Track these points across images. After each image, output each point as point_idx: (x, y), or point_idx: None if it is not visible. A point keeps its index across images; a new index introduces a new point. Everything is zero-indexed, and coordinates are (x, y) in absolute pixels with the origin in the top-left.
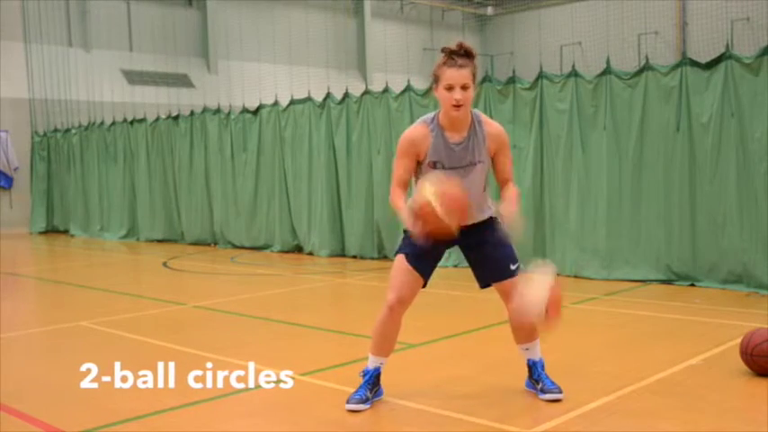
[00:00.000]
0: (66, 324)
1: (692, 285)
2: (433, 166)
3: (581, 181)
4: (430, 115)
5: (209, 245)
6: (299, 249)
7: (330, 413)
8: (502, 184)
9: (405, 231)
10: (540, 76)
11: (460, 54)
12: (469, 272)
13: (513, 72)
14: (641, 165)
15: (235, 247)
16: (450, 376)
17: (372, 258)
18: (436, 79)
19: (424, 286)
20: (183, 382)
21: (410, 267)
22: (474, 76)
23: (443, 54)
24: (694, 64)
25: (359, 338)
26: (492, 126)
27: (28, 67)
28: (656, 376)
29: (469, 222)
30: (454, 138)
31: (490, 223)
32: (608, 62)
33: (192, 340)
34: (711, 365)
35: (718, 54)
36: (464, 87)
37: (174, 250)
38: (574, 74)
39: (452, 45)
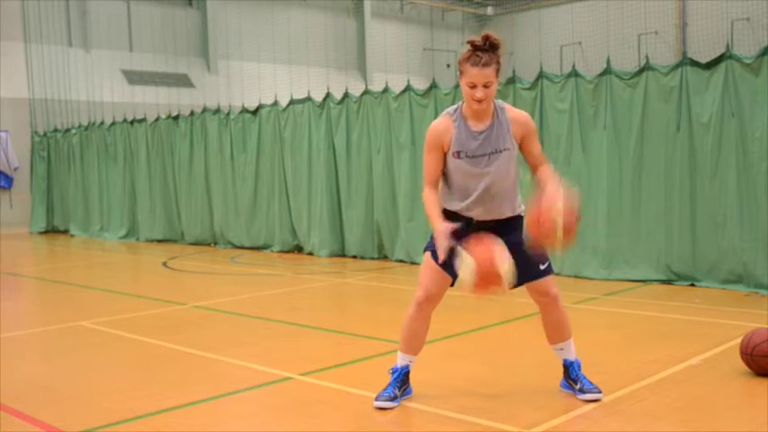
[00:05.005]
0: (67, 324)
1: (692, 285)
2: (458, 155)
3: (581, 181)
4: (453, 107)
5: (209, 245)
6: (299, 249)
7: (330, 413)
8: (535, 168)
9: None
10: (540, 76)
11: (485, 49)
12: None
13: (513, 72)
14: (641, 165)
15: (235, 247)
16: (450, 376)
17: (372, 258)
18: (460, 72)
19: (453, 284)
20: (184, 382)
21: (437, 266)
22: (497, 71)
23: (468, 47)
24: (694, 64)
25: (359, 338)
26: (515, 112)
27: (28, 67)
28: (656, 376)
29: (498, 218)
30: (477, 126)
31: (520, 223)
32: (608, 62)
33: (192, 340)
34: (711, 365)
35: (718, 54)
36: (486, 86)
37: (174, 250)
38: (574, 74)
39: (478, 38)
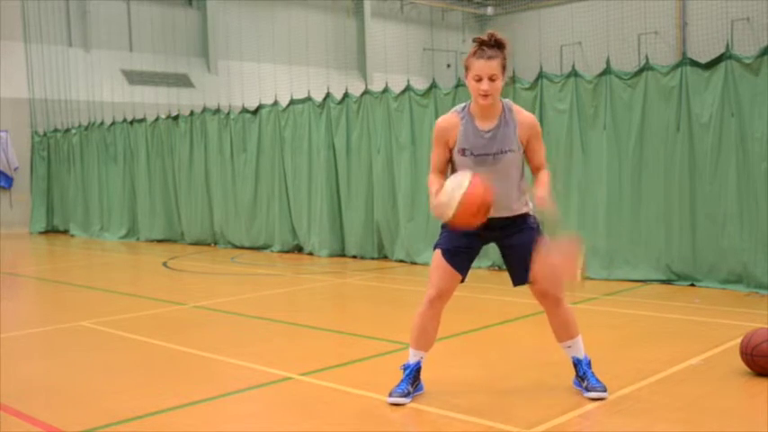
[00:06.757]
0: (66, 324)
1: (692, 285)
2: (463, 153)
3: (581, 181)
4: (461, 105)
5: (209, 245)
6: (299, 249)
7: (330, 413)
8: (534, 171)
9: (443, 225)
10: (540, 75)
11: (490, 45)
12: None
13: (513, 72)
14: (641, 165)
15: (235, 247)
16: (450, 376)
17: (372, 258)
18: (466, 69)
19: (463, 281)
20: (184, 382)
21: (446, 263)
22: (503, 66)
23: (474, 44)
24: (694, 64)
25: (359, 338)
26: (523, 115)
27: (28, 67)
28: (656, 376)
29: (502, 215)
30: (484, 126)
31: (525, 222)
32: (608, 62)
33: (192, 340)
34: (711, 365)
35: (718, 54)
36: (492, 78)
37: (174, 250)
38: (574, 74)
39: (484, 35)
